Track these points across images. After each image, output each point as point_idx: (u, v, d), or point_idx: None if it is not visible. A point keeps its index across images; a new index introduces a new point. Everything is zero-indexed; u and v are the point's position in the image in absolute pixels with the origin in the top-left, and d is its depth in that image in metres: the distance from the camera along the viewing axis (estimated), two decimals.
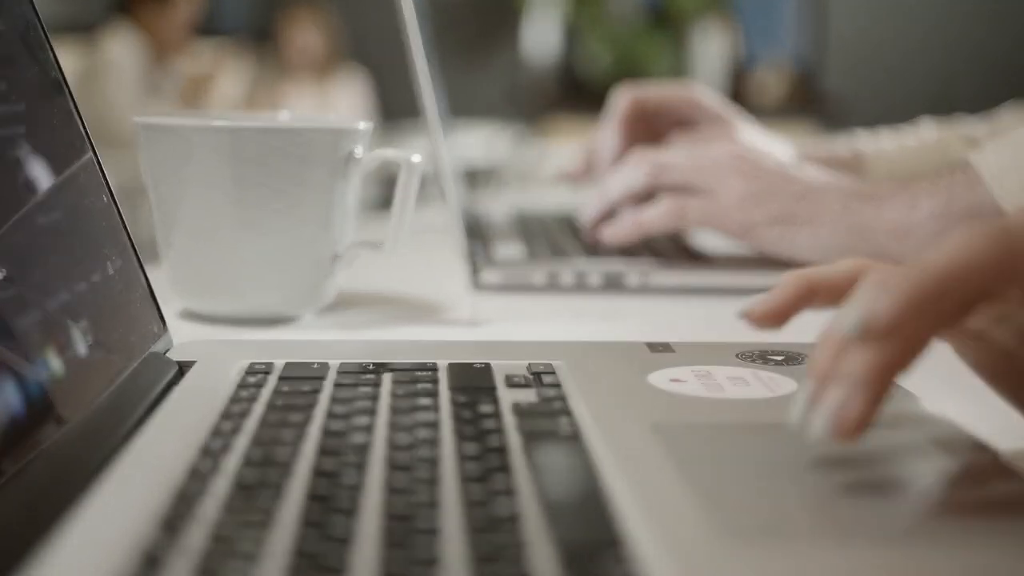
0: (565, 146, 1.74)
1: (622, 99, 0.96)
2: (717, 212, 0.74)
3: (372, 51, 3.95)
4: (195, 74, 3.40)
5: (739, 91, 4.52)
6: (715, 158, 0.76)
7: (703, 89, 0.97)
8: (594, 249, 0.80)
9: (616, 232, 0.78)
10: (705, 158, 0.76)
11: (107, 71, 3.09)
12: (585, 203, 0.91)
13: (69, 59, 2.93)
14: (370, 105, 3.94)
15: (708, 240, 0.86)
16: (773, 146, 0.87)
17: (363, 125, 0.63)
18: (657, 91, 0.96)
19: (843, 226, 0.70)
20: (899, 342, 0.30)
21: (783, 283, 0.37)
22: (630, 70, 4.19)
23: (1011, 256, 0.31)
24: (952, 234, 0.31)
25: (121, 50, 3.15)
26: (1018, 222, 0.31)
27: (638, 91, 0.96)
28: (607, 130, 0.96)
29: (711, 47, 4.65)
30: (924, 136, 0.93)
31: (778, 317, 0.36)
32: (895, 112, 1.45)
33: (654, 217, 0.76)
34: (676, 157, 0.77)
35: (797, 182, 0.73)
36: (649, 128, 0.95)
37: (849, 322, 0.30)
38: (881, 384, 0.30)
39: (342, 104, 3.80)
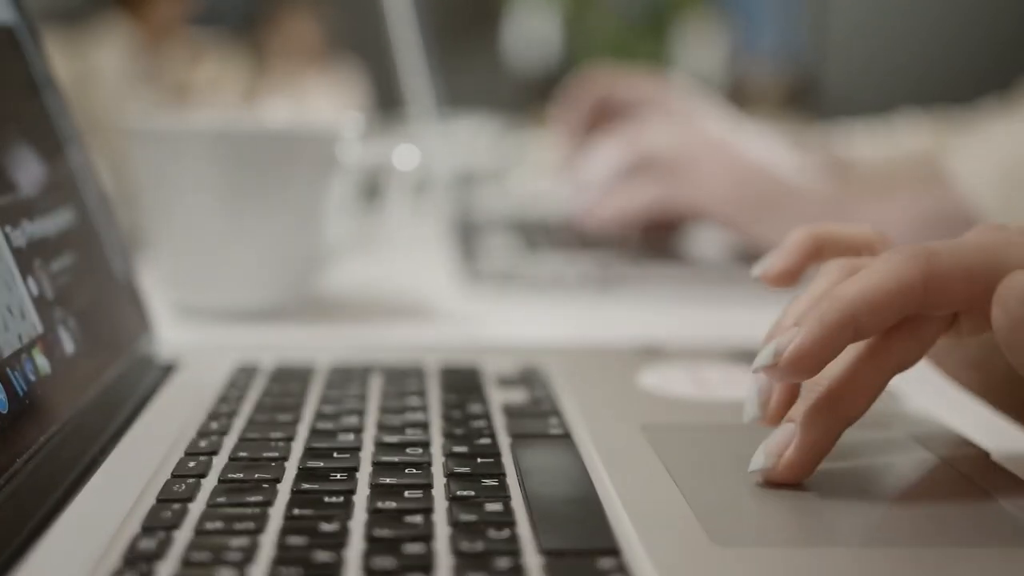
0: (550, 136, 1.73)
1: (588, 94, 0.95)
2: (699, 200, 0.77)
3: (374, 36, 3.93)
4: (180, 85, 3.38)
5: (736, 85, 4.51)
6: (698, 143, 0.78)
7: (673, 88, 0.94)
8: (584, 247, 0.80)
9: (600, 217, 0.81)
10: (688, 143, 0.78)
11: (96, 78, 3.07)
12: (569, 191, 0.91)
13: (58, 52, 2.91)
14: (368, 92, 3.92)
15: (700, 239, 0.86)
16: (744, 136, 0.86)
17: (351, 126, 0.62)
18: (624, 90, 0.94)
19: None
20: (811, 371, 0.31)
21: (791, 241, 0.37)
22: (626, 63, 4.18)
23: (928, 279, 0.30)
24: (880, 256, 0.31)
25: (109, 55, 3.13)
26: (946, 246, 0.31)
27: (605, 88, 0.94)
28: (570, 122, 0.95)
29: (706, 41, 4.65)
30: (912, 147, 0.92)
31: (792, 275, 0.37)
32: (891, 104, 1.45)
33: (637, 205, 0.79)
34: (658, 139, 0.79)
35: (776, 180, 0.75)
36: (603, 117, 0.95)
37: (765, 355, 0.31)
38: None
39: (335, 95, 3.78)
